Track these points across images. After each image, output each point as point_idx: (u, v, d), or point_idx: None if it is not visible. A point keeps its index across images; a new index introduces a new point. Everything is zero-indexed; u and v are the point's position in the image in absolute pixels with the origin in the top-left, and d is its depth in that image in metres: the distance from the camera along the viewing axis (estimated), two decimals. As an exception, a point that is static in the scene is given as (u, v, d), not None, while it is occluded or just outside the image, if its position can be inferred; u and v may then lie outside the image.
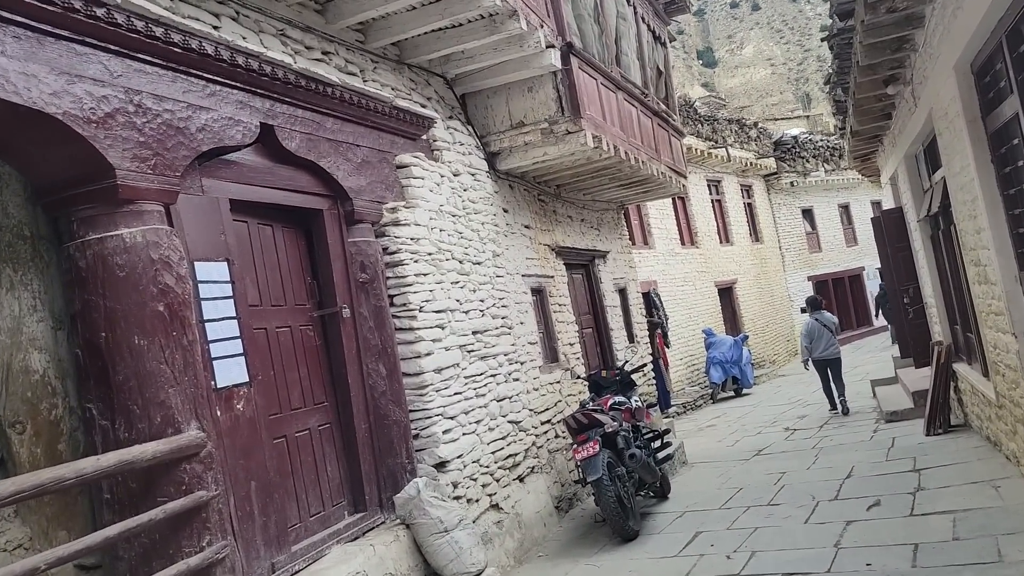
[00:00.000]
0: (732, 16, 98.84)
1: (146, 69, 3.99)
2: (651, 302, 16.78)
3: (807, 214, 27.28)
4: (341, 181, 5.50)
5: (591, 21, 8.61)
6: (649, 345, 12.60)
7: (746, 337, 18.83)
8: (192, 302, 4.02)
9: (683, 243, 19.56)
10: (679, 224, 19.57)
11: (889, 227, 11.28)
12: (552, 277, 8.98)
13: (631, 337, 11.50)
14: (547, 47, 7.23)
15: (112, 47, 3.78)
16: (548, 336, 8.75)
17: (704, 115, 20.25)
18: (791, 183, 26.10)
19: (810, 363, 12.15)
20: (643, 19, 10.89)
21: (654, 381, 12.17)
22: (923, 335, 10.81)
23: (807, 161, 26.70)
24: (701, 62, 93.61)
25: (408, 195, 6.29)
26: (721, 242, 21.81)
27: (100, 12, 3.66)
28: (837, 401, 12.22)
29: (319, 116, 5.36)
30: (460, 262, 6.83)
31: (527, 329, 8.06)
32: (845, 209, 28.78)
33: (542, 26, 7.06)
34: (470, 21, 6.63)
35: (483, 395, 6.75)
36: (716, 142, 20.86)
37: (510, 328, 7.56)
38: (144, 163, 3.86)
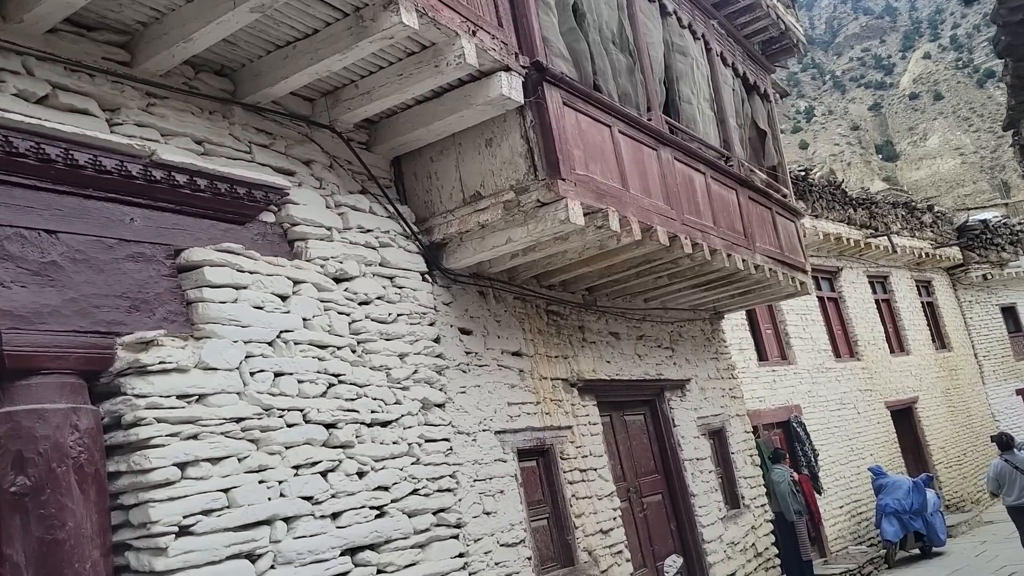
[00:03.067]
0: (912, 108, 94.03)
1: None
2: (793, 434, 13.10)
3: (1008, 312, 22.30)
4: (-30, 298, 2.89)
5: (612, 46, 5.74)
6: (769, 504, 8.94)
7: (930, 478, 14.39)
8: None
9: (837, 355, 15.57)
10: (831, 331, 15.65)
11: None
12: (569, 428, 5.88)
13: (735, 500, 8.02)
14: (496, 69, 4.47)
15: None
16: (558, 524, 5.61)
17: (856, 197, 16.48)
18: (984, 276, 21.42)
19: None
20: (724, 59, 7.89)
21: (775, 557, 8.50)
22: None
23: (1003, 249, 21.94)
24: (881, 156, 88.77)
25: (199, 316, 3.58)
26: (892, 351, 17.52)
27: None
28: None
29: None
30: (330, 428, 3.98)
31: (501, 522, 4.98)
32: (1058, 304, 23.49)
33: (473, 33, 4.30)
34: (328, 23, 3.99)
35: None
36: (876, 230, 16.96)
37: (456, 526, 4.55)
38: None
